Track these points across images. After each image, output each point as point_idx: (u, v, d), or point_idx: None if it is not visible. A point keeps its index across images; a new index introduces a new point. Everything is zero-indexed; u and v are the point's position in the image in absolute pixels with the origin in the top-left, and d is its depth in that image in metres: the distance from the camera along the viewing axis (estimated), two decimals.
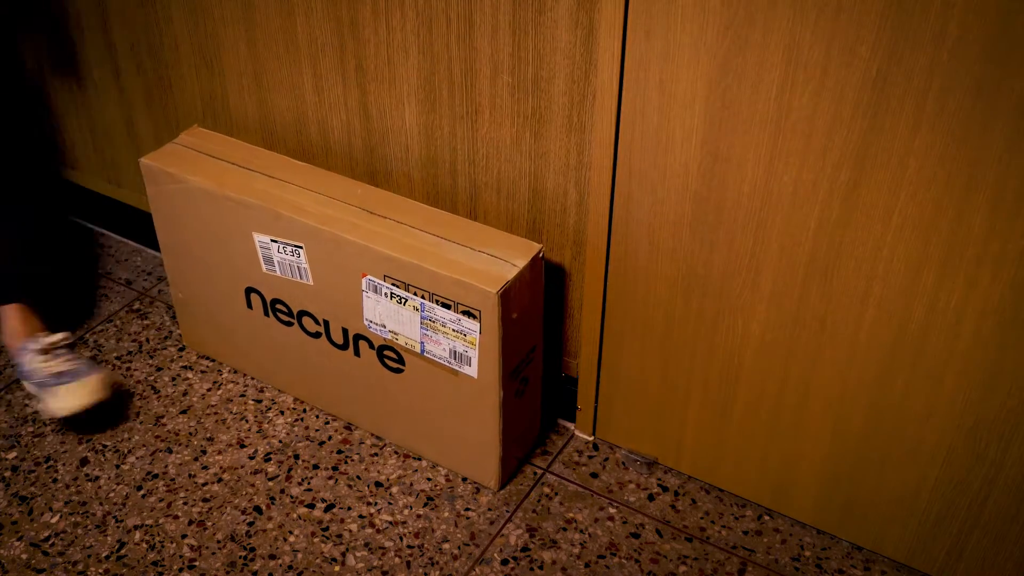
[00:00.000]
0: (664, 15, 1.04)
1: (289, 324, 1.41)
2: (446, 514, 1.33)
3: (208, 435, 1.45)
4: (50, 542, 1.30)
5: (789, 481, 1.28)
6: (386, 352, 1.33)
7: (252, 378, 1.55)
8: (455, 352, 1.24)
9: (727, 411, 1.27)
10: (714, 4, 1.00)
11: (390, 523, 1.32)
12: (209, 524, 1.32)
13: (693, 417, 1.31)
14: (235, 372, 1.56)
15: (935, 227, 1.00)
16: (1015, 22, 0.87)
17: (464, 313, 1.20)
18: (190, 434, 1.45)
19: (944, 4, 0.89)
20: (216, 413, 1.49)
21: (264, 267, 1.37)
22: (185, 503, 1.35)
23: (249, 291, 1.42)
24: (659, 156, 1.13)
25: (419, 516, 1.33)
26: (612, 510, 1.33)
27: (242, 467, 1.40)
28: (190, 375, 1.56)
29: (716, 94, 1.05)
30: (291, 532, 1.30)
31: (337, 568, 1.26)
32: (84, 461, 1.41)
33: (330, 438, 1.44)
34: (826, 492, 1.26)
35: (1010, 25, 0.87)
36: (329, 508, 1.34)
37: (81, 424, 1.46)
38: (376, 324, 1.30)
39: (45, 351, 1.41)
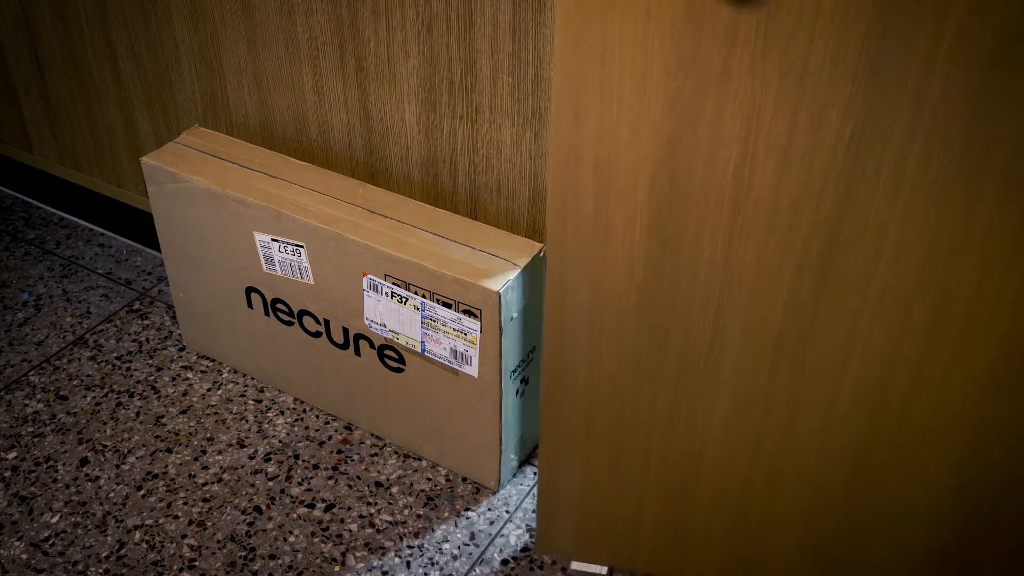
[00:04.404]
0: (596, 95, 0.90)
1: (290, 324, 1.41)
2: (446, 514, 1.33)
3: (208, 435, 1.45)
4: (50, 542, 1.30)
5: (764, 564, 1.18)
6: (387, 352, 1.33)
7: (252, 378, 1.55)
8: (456, 351, 1.24)
9: (689, 507, 1.16)
10: (656, 77, 0.87)
11: (390, 523, 1.32)
12: (209, 524, 1.32)
13: (649, 519, 1.19)
14: (235, 372, 1.56)
15: (919, 294, 0.92)
16: (1002, 74, 0.79)
17: (465, 312, 1.20)
18: (190, 434, 1.45)
19: (925, 59, 0.80)
20: (216, 413, 1.49)
21: (265, 266, 1.37)
22: (185, 503, 1.35)
23: (250, 291, 1.42)
24: (597, 247, 1.00)
25: (419, 516, 1.33)
26: None
27: (242, 467, 1.40)
28: (190, 375, 1.56)
29: (664, 175, 0.93)
30: (291, 532, 1.30)
31: (337, 568, 1.26)
32: (84, 461, 1.41)
33: (330, 438, 1.44)
34: (805, 571, 1.16)
35: (996, 78, 0.80)
36: (329, 508, 1.34)
37: (81, 424, 1.46)
38: (377, 323, 1.30)
39: None
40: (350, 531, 1.31)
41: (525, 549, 1.29)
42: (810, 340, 0.99)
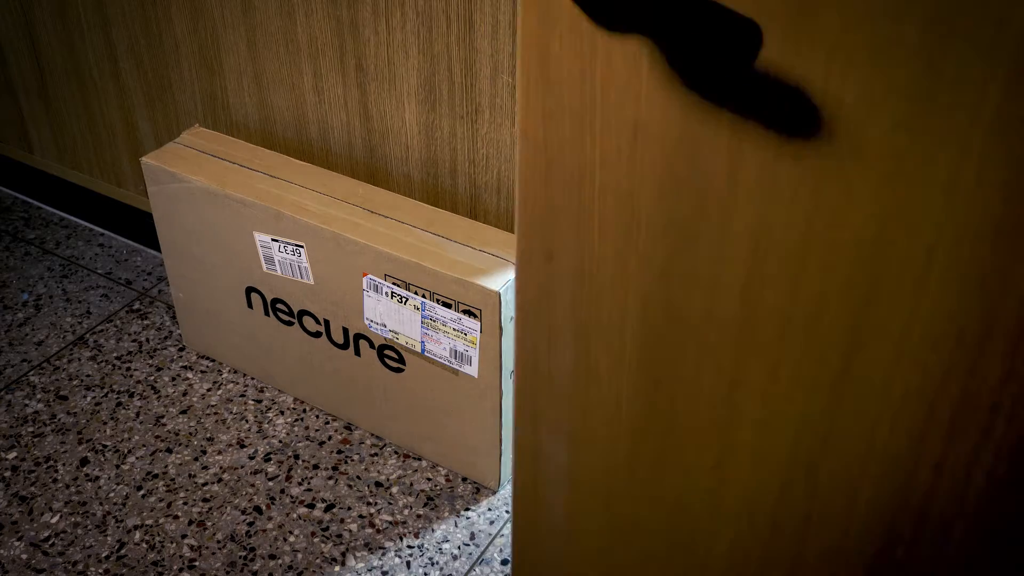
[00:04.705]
0: (572, 230, 0.79)
1: (289, 324, 1.41)
2: (446, 514, 1.33)
3: (208, 435, 1.45)
4: (50, 542, 1.30)
5: None
6: (386, 352, 1.33)
7: (252, 378, 1.55)
8: (456, 351, 1.25)
9: None
10: (646, 201, 0.78)
11: (390, 523, 1.32)
12: (209, 524, 1.32)
13: None
14: (235, 372, 1.56)
15: (944, 390, 0.83)
16: None
17: (465, 312, 1.20)
18: (190, 434, 1.45)
19: (960, 147, 0.70)
20: (216, 413, 1.49)
21: (265, 266, 1.37)
22: (185, 503, 1.35)
23: (249, 291, 1.42)
24: (577, 399, 0.88)
25: (419, 516, 1.33)
26: None
27: (242, 467, 1.40)
28: (190, 375, 1.56)
29: (657, 306, 0.84)
30: (291, 532, 1.30)
31: (337, 568, 1.26)
32: (84, 461, 1.41)
33: (330, 438, 1.44)
34: None
35: None
36: (329, 508, 1.34)
37: (81, 424, 1.46)
38: (377, 323, 1.30)
39: None
40: (350, 531, 1.31)
41: None
42: (825, 456, 0.88)
